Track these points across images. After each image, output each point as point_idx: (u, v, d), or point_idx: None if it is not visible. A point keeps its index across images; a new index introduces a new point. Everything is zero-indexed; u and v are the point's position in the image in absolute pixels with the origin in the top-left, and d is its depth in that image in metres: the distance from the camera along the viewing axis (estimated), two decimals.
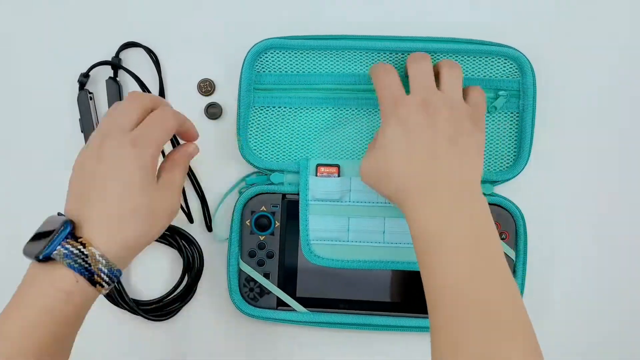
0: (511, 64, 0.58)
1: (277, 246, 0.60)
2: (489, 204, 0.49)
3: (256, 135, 0.60)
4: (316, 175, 0.59)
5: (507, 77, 0.58)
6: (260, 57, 0.58)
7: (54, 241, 0.42)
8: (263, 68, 0.59)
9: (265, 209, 0.60)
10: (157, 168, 0.48)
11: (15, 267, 0.45)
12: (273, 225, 0.60)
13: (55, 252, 0.42)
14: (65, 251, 0.42)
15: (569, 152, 0.62)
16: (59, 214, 0.46)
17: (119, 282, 0.60)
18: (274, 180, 0.60)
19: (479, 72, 0.58)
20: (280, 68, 0.59)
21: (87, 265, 0.42)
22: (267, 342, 0.63)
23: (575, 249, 0.62)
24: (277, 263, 0.60)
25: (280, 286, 0.60)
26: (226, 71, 0.62)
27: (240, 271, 0.60)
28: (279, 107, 0.59)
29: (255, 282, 0.60)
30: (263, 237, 0.60)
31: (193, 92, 0.62)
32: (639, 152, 0.62)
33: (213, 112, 0.62)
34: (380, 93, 0.52)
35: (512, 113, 0.59)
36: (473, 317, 0.43)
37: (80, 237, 0.43)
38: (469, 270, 0.45)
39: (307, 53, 0.58)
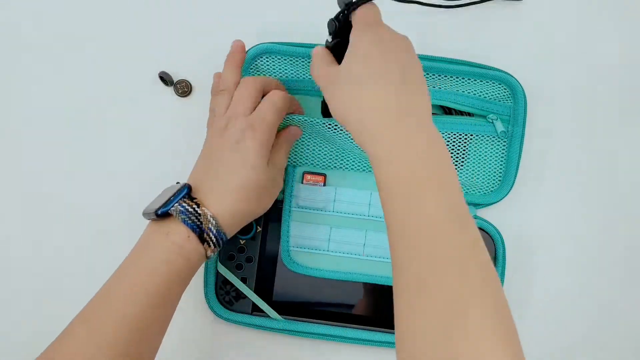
0: (504, 88, 0.59)
1: (257, 251, 0.60)
2: None
3: None
4: (302, 183, 0.59)
5: (499, 100, 0.59)
6: (255, 61, 0.58)
7: (172, 199, 0.48)
8: (256, 72, 0.59)
9: None
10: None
11: None
12: (254, 229, 0.60)
13: (173, 208, 0.47)
14: (181, 208, 0.47)
15: (554, 176, 0.63)
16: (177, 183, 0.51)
17: None
18: None
19: (472, 91, 0.59)
20: (273, 73, 0.59)
21: (198, 223, 0.47)
22: (240, 347, 0.62)
23: (555, 272, 0.63)
24: (255, 268, 0.60)
25: (256, 292, 0.60)
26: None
27: (217, 273, 0.59)
28: None
29: (232, 285, 0.60)
30: (243, 241, 0.60)
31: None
32: (624, 178, 0.63)
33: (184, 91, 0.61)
34: None
35: (500, 138, 0.60)
36: (436, 256, 0.39)
37: (195, 198, 0.48)
38: (433, 207, 0.40)
39: (301, 60, 0.59)
